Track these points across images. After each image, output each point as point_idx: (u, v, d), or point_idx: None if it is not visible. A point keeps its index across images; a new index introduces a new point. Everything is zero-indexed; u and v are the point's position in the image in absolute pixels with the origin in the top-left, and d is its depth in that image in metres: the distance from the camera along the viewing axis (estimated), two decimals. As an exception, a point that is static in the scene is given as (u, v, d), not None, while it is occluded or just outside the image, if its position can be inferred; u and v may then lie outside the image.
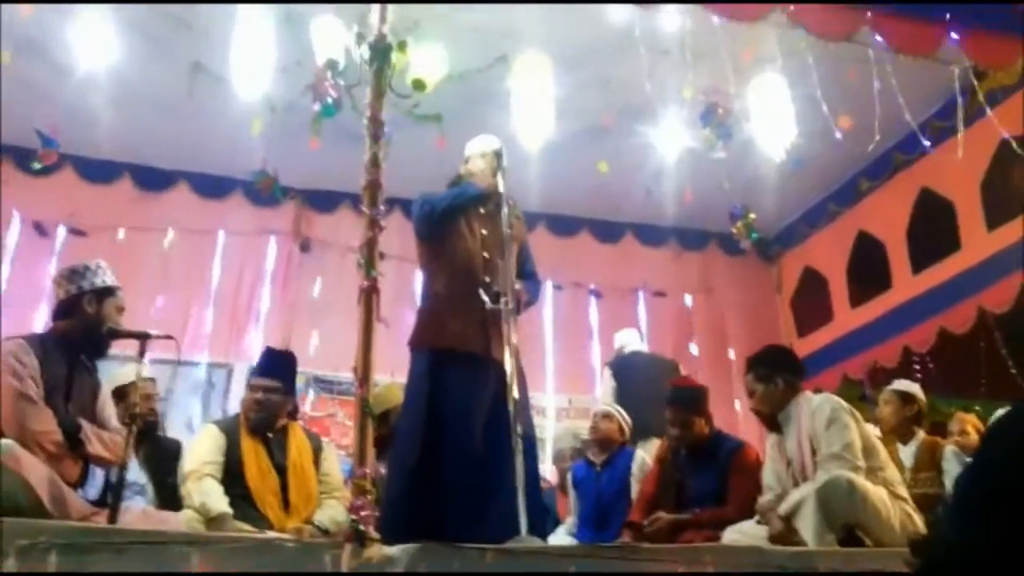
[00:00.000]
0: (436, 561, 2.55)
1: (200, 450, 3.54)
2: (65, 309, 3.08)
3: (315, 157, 5.04)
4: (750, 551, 2.78)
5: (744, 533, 3.25)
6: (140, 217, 6.51)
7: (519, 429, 3.14)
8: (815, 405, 3.34)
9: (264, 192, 5.97)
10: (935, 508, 3.67)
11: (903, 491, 3.24)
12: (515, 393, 3.21)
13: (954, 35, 3.89)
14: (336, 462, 3.86)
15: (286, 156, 5.65)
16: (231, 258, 6.74)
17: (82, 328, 3.05)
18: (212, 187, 6.68)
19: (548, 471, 5.86)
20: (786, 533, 3.07)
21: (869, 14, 3.72)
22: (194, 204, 6.63)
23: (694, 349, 7.43)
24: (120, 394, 3.61)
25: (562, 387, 7.08)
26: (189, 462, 3.52)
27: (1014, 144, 4.86)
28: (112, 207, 6.41)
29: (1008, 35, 3.97)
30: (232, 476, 3.45)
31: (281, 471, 3.53)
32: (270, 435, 3.61)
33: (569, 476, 4.50)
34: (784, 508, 3.14)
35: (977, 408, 5.12)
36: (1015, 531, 0.56)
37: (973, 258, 5.67)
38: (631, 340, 5.90)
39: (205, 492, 3.38)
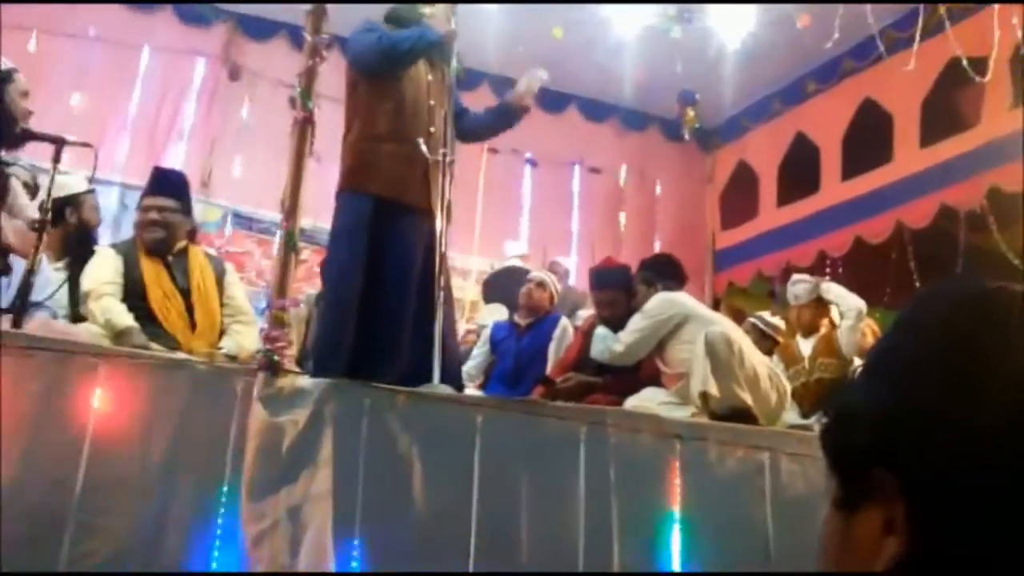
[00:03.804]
0: (348, 397, 2.59)
1: (97, 272, 3.33)
2: None
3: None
4: (648, 417, 2.92)
5: (645, 400, 3.40)
6: (58, 22, 6.02)
7: (442, 283, 3.15)
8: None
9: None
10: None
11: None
12: (444, 248, 3.21)
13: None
14: (240, 286, 3.71)
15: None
16: (154, 77, 6.36)
17: None
18: (139, -1, 6.22)
19: (462, 330, 5.95)
20: None
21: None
22: (119, 16, 6.17)
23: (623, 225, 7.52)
24: (62, 203, 3.41)
25: (486, 251, 7.10)
26: (88, 282, 3.31)
27: (965, 62, 4.92)
28: (28, 9, 5.89)
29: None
30: (134, 298, 3.28)
31: (185, 294, 3.37)
32: (170, 257, 3.43)
33: (487, 334, 4.56)
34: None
35: (877, 315, 5.37)
36: (914, 391, 0.57)
37: (901, 172, 5.82)
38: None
39: (107, 309, 3.21)
